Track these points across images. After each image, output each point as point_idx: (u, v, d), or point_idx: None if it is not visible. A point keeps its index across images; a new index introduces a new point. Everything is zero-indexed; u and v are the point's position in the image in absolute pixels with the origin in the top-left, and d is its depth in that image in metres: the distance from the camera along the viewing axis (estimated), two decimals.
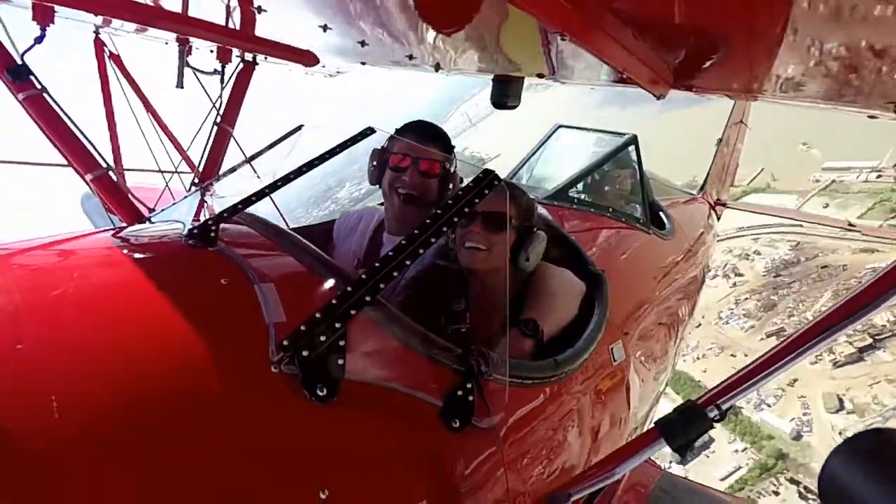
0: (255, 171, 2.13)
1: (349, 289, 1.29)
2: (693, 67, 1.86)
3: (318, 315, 1.23)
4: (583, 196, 3.53)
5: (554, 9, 1.37)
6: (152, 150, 3.50)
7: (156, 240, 1.66)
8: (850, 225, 6.71)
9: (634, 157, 3.88)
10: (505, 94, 3.08)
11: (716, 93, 2.11)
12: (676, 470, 37.66)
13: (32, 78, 2.49)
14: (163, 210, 2.10)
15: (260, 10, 2.58)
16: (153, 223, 1.98)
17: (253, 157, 2.23)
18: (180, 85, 3.39)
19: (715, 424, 1.46)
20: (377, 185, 2.43)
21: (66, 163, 2.69)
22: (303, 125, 2.29)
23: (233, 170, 2.37)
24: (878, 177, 49.36)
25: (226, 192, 2.07)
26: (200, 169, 3.36)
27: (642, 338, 2.95)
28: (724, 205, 6.46)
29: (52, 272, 1.37)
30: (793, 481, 34.40)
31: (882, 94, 1.43)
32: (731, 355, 41.45)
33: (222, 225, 1.56)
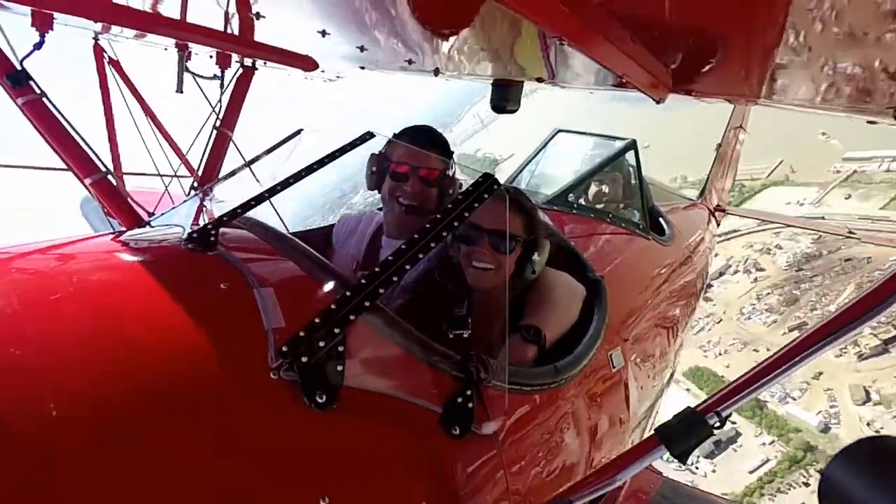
0: (254, 176, 2.13)
1: (348, 294, 1.29)
2: (692, 71, 1.86)
3: (317, 320, 1.23)
4: (573, 200, 3.53)
5: (553, 13, 1.37)
6: (152, 155, 3.50)
7: (155, 244, 1.65)
8: (850, 232, 6.70)
9: (633, 161, 3.88)
10: (504, 98, 3.09)
11: (714, 97, 2.11)
12: (704, 465, 37.68)
13: (32, 83, 2.49)
14: (162, 214, 2.09)
15: (259, 16, 2.58)
16: (152, 227, 1.97)
17: (252, 162, 2.22)
18: (180, 90, 3.40)
19: (715, 431, 1.45)
20: (376, 191, 2.43)
21: (65, 167, 2.69)
22: (302, 129, 2.29)
23: (232, 174, 2.37)
24: None
25: (225, 197, 2.07)
26: (200, 173, 3.36)
27: (641, 344, 2.94)
28: (723, 210, 6.46)
29: (52, 276, 1.36)
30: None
31: (881, 98, 1.43)
32: (754, 350, 41.46)
33: (222, 229, 1.56)
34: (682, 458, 1.44)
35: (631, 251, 3.36)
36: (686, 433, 1.44)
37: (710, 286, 50.24)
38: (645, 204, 3.70)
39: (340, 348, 1.24)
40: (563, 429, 1.93)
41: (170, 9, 2.71)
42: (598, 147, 4.16)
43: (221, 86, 3.40)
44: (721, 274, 51.69)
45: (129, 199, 2.79)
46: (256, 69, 3.57)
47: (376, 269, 1.35)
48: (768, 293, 46.97)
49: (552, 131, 4.26)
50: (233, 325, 1.29)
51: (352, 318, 1.26)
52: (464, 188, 1.76)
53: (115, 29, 3.11)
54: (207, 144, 3.35)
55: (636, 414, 2.71)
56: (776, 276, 47.84)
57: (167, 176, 3.59)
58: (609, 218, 3.35)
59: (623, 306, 2.80)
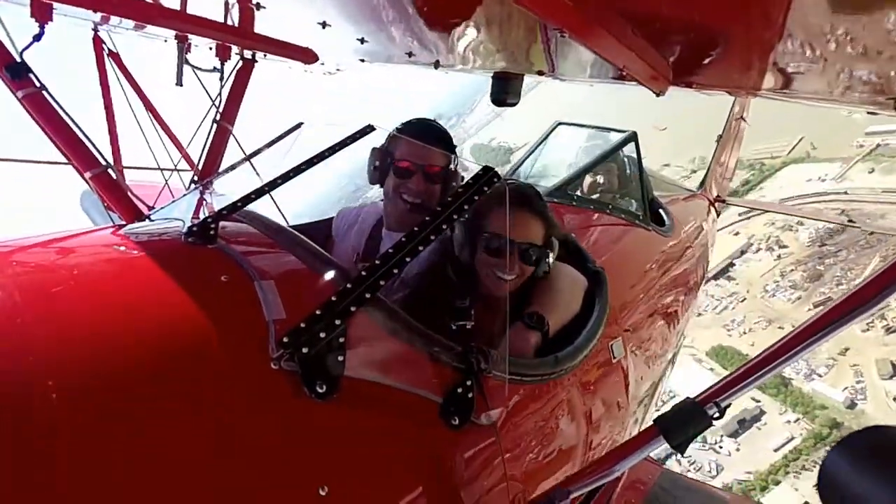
0: (254, 169, 2.12)
1: (349, 286, 1.29)
2: (692, 64, 1.86)
3: (318, 312, 1.23)
4: (573, 192, 3.53)
5: (553, 6, 1.37)
6: (151, 148, 3.50)
7: (155, 237, 1.66)
8: (850, 221, 6.70)
9: (634, 153, 3.88)
10: (505, 91, 3.08)
11: (715, 89, 2.11)
12: (728, 444, 38.01)
13: (31, 76, 2.48)
14: (162, 208, 2.10)
15: (259, 7, 2.57)
16: (153, 221, 1.98)
17: (252, 155, 2.22)
18: (179, 83, 3.39)
19: (714, 422, 1.46)
20: (378, 185, 2.42)
21: (65, 160, 2.69)
22: (302, 123, 2.29)
23: (232, 167, 2.36)
24: None
25: (225, 190, 2.07)
26: (200, 166, 3.36)
27: (642, 334, 2.95)
28: (723, 201, 6.45)
29: (51, 269, 1.37)
30: None
31: (882, 89, 1.43)
32: (779, 328, 41.46)
33: (222, 222, 1.56)
34: (680, 448, 1.44)
35: (631, 242, 3.36)
36: (685, 424, 1.45)
37: (732, 265, 50.67)
38: (645, 195, 3.70)
39: (341, 339, 1.24)
40: (562, 419, 1.94)
41: (170, 0, 2.71)
42: (598, 139, 4.16)
43: (221, 78, 3.39)
44: (743, 252, 52.01)
45: (129, 193, 2.79)
46: (256, 61, 3.56)
47: (377, 262, 1.35)
48: (792, 270, 46.87)
49: (552, 124, 4.26)
50: (233, 316, 1.29)
51: (352, 309, 1.27)
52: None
53: (114, 20, 3.10)
54: (207, 138, 3.35)
55: (636, 404, 2.72)
56: (799, 252, 47.60)
57: (167, 169, 3.60)
58: (609, 209, 3.35)
59: (623, 297, 2.80)
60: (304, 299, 1.34)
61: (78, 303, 1.19)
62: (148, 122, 3.58)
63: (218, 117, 3.37)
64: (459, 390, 1.46)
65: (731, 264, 51.84)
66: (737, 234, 52.13)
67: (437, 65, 2.94)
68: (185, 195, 2.21)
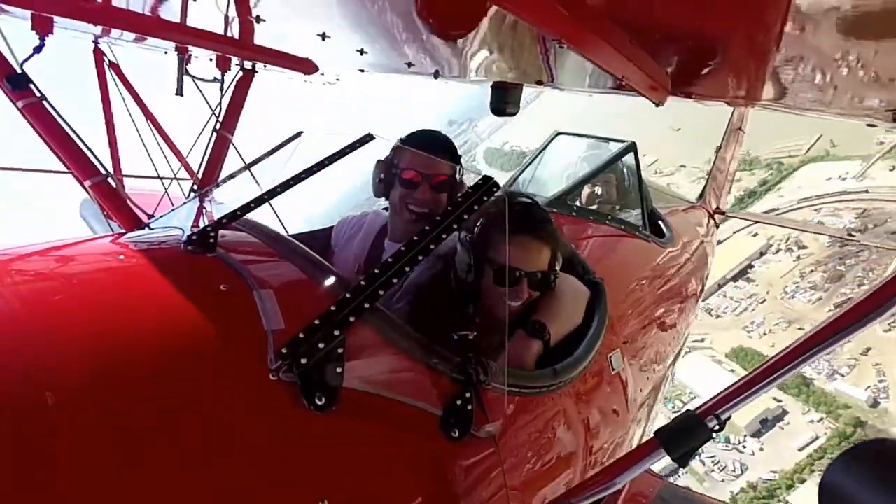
0: (254, 178, 2.13)
1: (348, 295, 1.29)
2: (691, 74, 1.87)
3: (316, 322, 1.23)
4: (573, 202, 3.53)
5: (552, 17, 1.38)
6: (151, 157, 3.50)
7: (154, 246, 1.65)
8: (850, 234, 6.70)
9: (633, 164, 3.88)
10: (504, 100, 3.09)
11: (713, 100, 2.12)
12: (751, 444, 38.14)
13: (32, 86, 2.50)
14: (162, 216, 2.09)
15: (259, 19, 2.59)
16: (152, 229, 1.98)
17: (252, 164, 2.22)
18: (180, 93, 3.40)
19: (714, 434, 1.45)
20: (383, 198, 2.42)
21: (65, 170, 2.70)
22: (302, 132, 2.29)
23: (232, 176, 2.36)
24: None
25: (225, 199, 2.07)
26: (200, 175, 3.36)
27: (641, 346, 2.94)
28: (722, 213, 6.46)
29: (51, 278, 1.36)
30: None
31: (881, 102, 1.44)
32: (799, 329, 40.82)
33: (221, 231, 1.56)
34: (681, 461, 1.44)
35: (630, 253, 3.36)
36: (685, 436, 1.44)
37: (751, 266, 50.40)
38: (644, 206, 3.70)
39: (340, 350, 1.24)
40: (562, 431, 1.93)
41: (170, 12, 2.72)
42: (597, 149, 4.16)
43: (221, 89, 3.41)
44: (762, 254, 51.66)
45: (128, 202, 2.79)
46: (256, 72, 3.58)
47: (376, 271, 1.35)
48: (812, 271, 46.45)
49: (552, 134, 4.27)
50: (232, 326, 1.29)
51: (351, 319, 1.26)
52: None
53: (114, 32, 3.12)
54: (207, 147, 3.36)
55: (635, 416, 2.71)
56: (819, 252, 47.08)
57: (167, 178, 3.60)
58: (608, 220, 3.35)
59: (623, 308, 2.80)
60: (304, 309, 1.33)
61: (77, 311, 1.18)
62: (148, 131, 3.59)
63: (218, 127, 3.38)
64: (459, 402, 1.45)
65: (751, 265, 51.51)
66: (755, 235, 51.74)
67: (436, 75, 2.95)
68: (184, 204, 2.21)
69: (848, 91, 1.48)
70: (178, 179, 3.63)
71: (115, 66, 3.52)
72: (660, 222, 4.12)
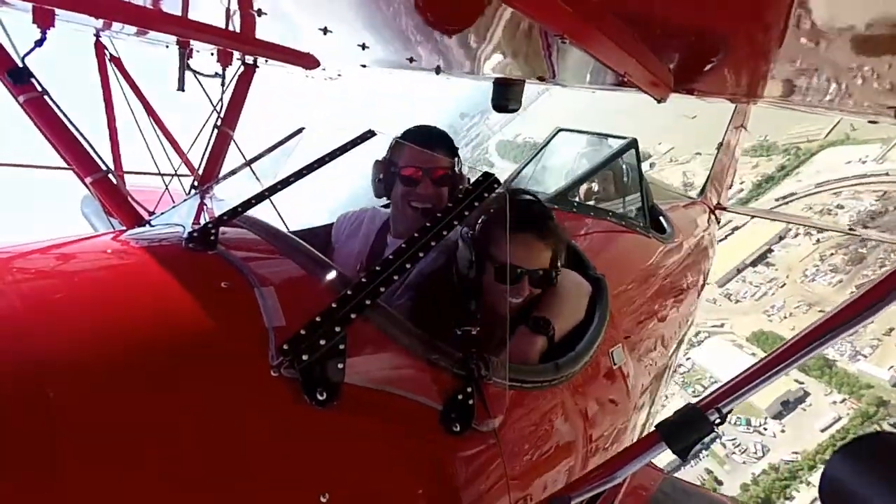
0: (255, 174, 2.12)
1: (349, 292, 1.29)
2: (693, 70, 1.86)
3: (318, 318, 1.23)
4: (573, 199, 3.53)
5: (555, 12, 1.37)
6: (152, 153, 3.50)
7: (155, 243, 1.65)
8: (851, 229, 6.70)
9: (634, 160, 3.88)
10: (506, 97, 3.09)
11: (716, 96, 2.11)
12: (773, 426, 38.35)
13: (33, 80, 2.49)
14: (162, 213, 2.09)
15: (260, 13, 2.58)
16: (153, 226, 1.98)
17: (253, 160, 2.22)
18: (181, 88, 3.40)
19: (716, 428, 1.46)
20: (384, 198, 2.42)
21: (66, 165, 2.69)
22: (303, 128, 2.29)
23: (233, 172, 2.36)
24: None
25: (226, 195, 2.07)
26: (200, 172, 3.36)
27: (642, 341, 2.95)
28: (723, 209, 6.45)
29: (52, 275, 1.36)
30: None
31: (883, 98, 1.43)
32: (820, 311, 40.90)
33: (222, 228, 1.56)
34: (682, 454, 1.44)
35: (631, 249, 3.36)
36: (686, 430, 1.44)
37: (770, 251, 50.08)
38: (645, 202, 3.70)
39: (341, 346, 1.24)
40: (563, 426, 1.94)
41: (171, 6, 2.71)
42: (598, 146, 4.16)
43: (223, 84, 3.40)
44: (781, 238, 51.52)
45: (129, 198, 2.79)
46: (258, 67, 3.57)
47: (377, 268, 1.35)
48: (832, 253, 46.18)
49: (553, 130, 4.26)
50: (233, 323, 1.29)
51: (353, 316, 1.26)
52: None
53: (116, 26, 3.11)
54: (208, 143, 3.35)
55: (637, 411, 2.72)
56: (840, 235, 46.71)
57: (168, 175, 3.60)
58: (609, 216, 3.35)
59: (624, 304, 2.80)
60: (305, 306, 1.33)
61: (78, 308, 1.18)
62: (149, 126, 3.58)
63: (219, 122, 3.37)
64: (460, 397, 1.45)
65: (770, 250, 51.24)
66: (774, 219, 51.39)
67: (438, 70, 2.94)
68: (185, 200, 2.21)
69: (850, 88, 1.47)
70: (178, 176, 3.63)
71: (116, 61, 3.51)
72: (661, 218, 4.12)
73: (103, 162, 2.71)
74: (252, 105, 3.59)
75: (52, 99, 2.52)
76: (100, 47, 3.43)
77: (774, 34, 1.28)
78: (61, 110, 2.54)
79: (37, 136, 2.62)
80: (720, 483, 38.85)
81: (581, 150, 4.21)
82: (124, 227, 2.60)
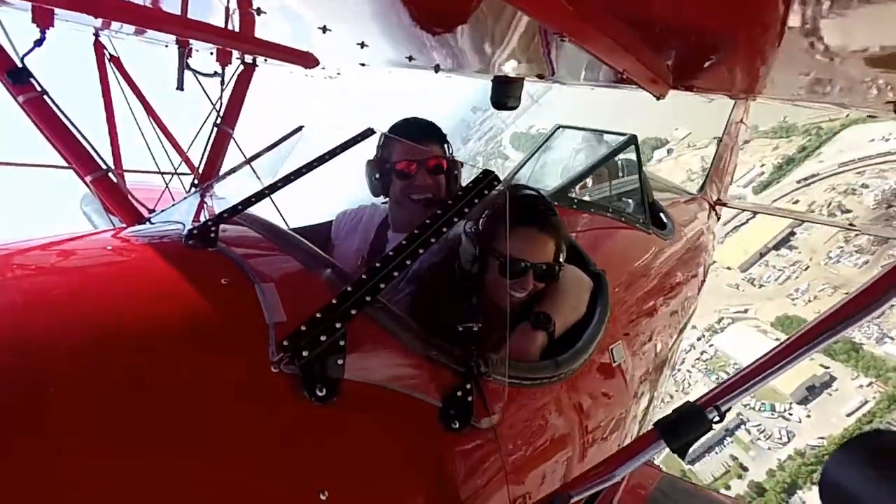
0: (255, 172, 2.13)
1: (349, 289, 1.29)
2: (692, 67, 1.86)
3: (318, 315, 1.23)
4: (573, 195, 3.53)
5: (553, 9, 1.37)
6: (152, 152, 3.50)
7: (156, 241, 1.65)
8: (851, 224, 6.69)
9: (634, 157, 3.88)
10: (505, 94, 3.09)
11: (715, 93, 2.11)
12: (798, 411, 38.14)
13: (33, 80, 2.49)
14: (162, 211, 2.09)
15: (259, 11, 2.58)
16: (153, 224, 1.98)
17: (253, 158, 2.22)
18: (180, 87, 3.40)
19: (714, 426, 1.46)
20: (382, 196, 2.42)
21: (66, 164, 2.70)
22: (303, 126, 2.29)
23: (233, 170, 2.36)
24: None
25: (225, 193, 2.07)
26: (200, 170, 3.36)
27: (642, 337, 2.95)
28: (724, 204, 6.45)
29: (52, 272, 1.37)
30: None
31: (881, 95, 1.43)
32: (845, 293, 40.60)
33: (222, 226, 1.56)
34: (680, 452, 1.44)
35: (632, 245, 3.36)
36: (685, 428, 1.44)
37: (793, 234, 49.01)
38: (645, 198, 3.70)
39: (341, 342, 1.24)
40: (563, 423, 1.94)
41: (170, 5, 2.71)
42: (598, 142, 4.17)
43: (222, 83, 3.40)
44: (803, 221, 50.51)
45: (129, 197, 2.79)
46: (257, 66, 3.57)
47: (377, 264, 1.35)
48: (857, 234, 44.35)
49: (553, 127, 4.26)
50: (233, 319, 1.29)
51: (353, 312, 1.27)
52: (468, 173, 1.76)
53: (115, 25, 3.11)
54: (208, 141, 3.35)
55: (636, 408, 2.72)
56: (864, 215, 45.02)
57: (168, 173, 3.60)
58: (609, 213, 3.35)
59: (624, 300, 2.80)
60: (305, 302, 1.33)
61: (79, 305, 1.19)
62: (148, 125, 3.58)
63: (219, 121, 3.37)
64: (459, 394, 1.46)
65: (792, 233, 50.07)
66: (796, 202, 50.32)
67: (437, 68, 2.95)
68: (185, 198, 2.21)
69: (850, 85, 1.48)
70: (178, 174, 3.63)
71: (115, 60, 3.51)
72: (661, 214, 4.12)
73: (103, 161, 2.71)
74: (251, 104, 3.59)
75: (51, 99, 2.52)
76: (99, 47, 3.44)
77: (773, 32, 1.28)
78: (61, 110, 2.54)
79: (37, 136, 2.62)
80: (745, 469, 38.59)
81: (581, 147, 4.22)
82: (125, 225, 2.61)
